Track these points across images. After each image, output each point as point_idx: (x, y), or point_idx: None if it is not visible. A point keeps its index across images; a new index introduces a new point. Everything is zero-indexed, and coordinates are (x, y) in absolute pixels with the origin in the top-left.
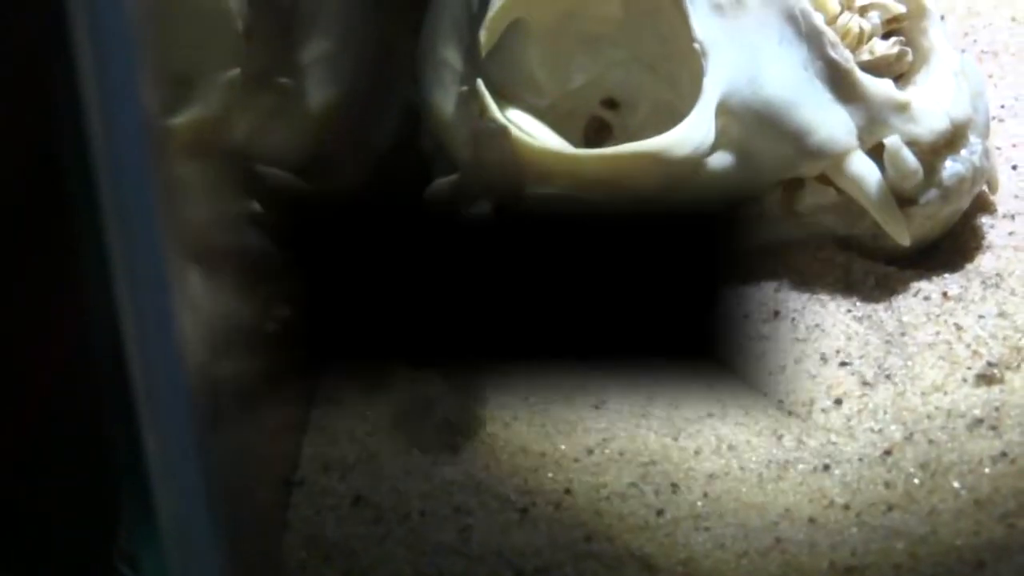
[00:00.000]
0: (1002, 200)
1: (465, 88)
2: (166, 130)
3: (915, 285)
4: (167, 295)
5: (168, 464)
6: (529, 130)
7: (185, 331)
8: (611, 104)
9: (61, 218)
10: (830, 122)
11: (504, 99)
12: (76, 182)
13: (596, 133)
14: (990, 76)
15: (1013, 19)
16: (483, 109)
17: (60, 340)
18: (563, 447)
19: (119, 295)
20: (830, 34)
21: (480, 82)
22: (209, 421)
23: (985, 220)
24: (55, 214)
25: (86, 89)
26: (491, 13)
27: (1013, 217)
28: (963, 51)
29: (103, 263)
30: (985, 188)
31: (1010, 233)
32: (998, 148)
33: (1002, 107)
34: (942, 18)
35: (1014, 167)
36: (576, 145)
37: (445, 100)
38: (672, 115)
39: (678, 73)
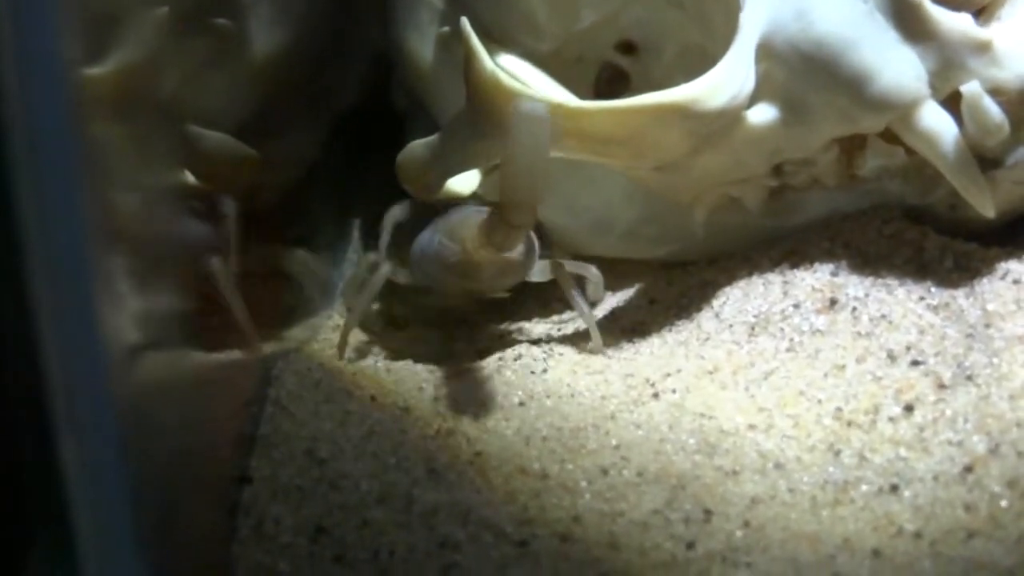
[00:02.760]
0: None
1: (446, 29)
2: (86, 82)
3: (1002, 266)
4: (88, 281)
5: (89, 472)
6: (526, 80)
7: (108, 322)
8: (628, 48)
9: None
10: (895, 66)
11: (496, 43)
12: None
13: (610, 84)
14: None
15: None
16: (469, 55)
17: None
18: (570, 467)
19: (32, 279)
20: None
21: (465, 21)
22: (135, 424)
23: None
24: None
25: None
26: None
27: None
28: None
29: (14, 243)
30: None
31: None
32: None
33: None
34: None
35: None
36: (585, 99)
37: (422, 44)
38: (703, 60)
39: (709, 8)
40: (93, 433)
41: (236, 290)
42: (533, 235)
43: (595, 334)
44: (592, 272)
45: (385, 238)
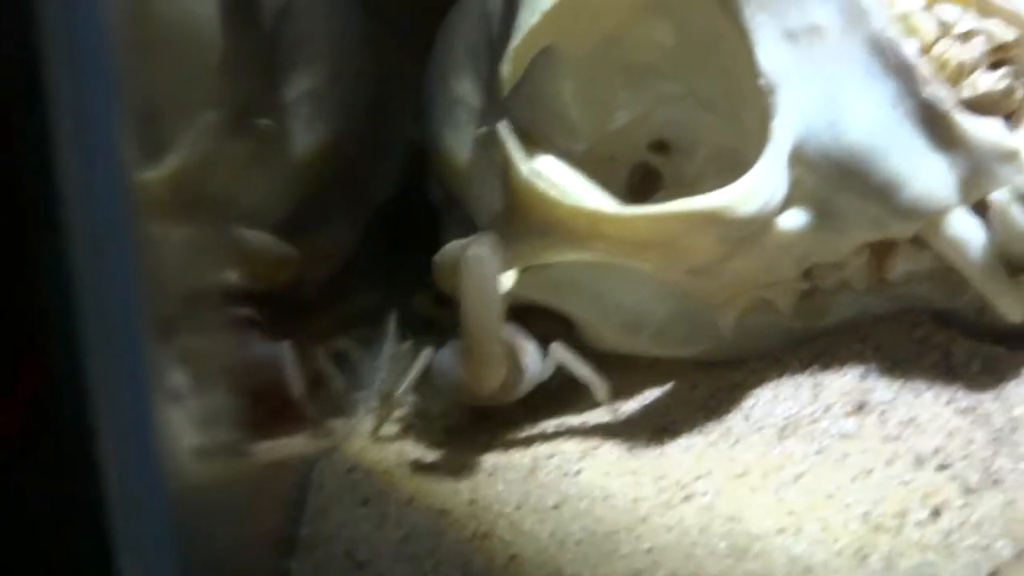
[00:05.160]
0: None
1: (483, 129)
2: (144, 187)
3: None
4: (146, 386)
5: None
6: (561, 182)
7: (165, 428)
8: (661, 147)
9: (29, 287)
10: (925, 174)
11: (532, 143)
12: (46, 247)
13: (643, 182)
14: None
15: None
16: (506, 161)
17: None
18: (604, 571)
19: (91, 387)
20: (924, 68)
21: (503, 125)
22: (190, 538)
23: None
24: (21, 279)
25: (60, 140)
26: (516, 40)
27: None
28: None
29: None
30: None
31: None
32: None
33: None
34: None
35: None
36: (619, 197)
37: (459, 143)
38: (736, 163)
39: (742, 113)
40: (150, 552)
41: (301, 378)
42: (525, 345)
43: (595, 386)
44: (589, 375)
45: (412, 378)
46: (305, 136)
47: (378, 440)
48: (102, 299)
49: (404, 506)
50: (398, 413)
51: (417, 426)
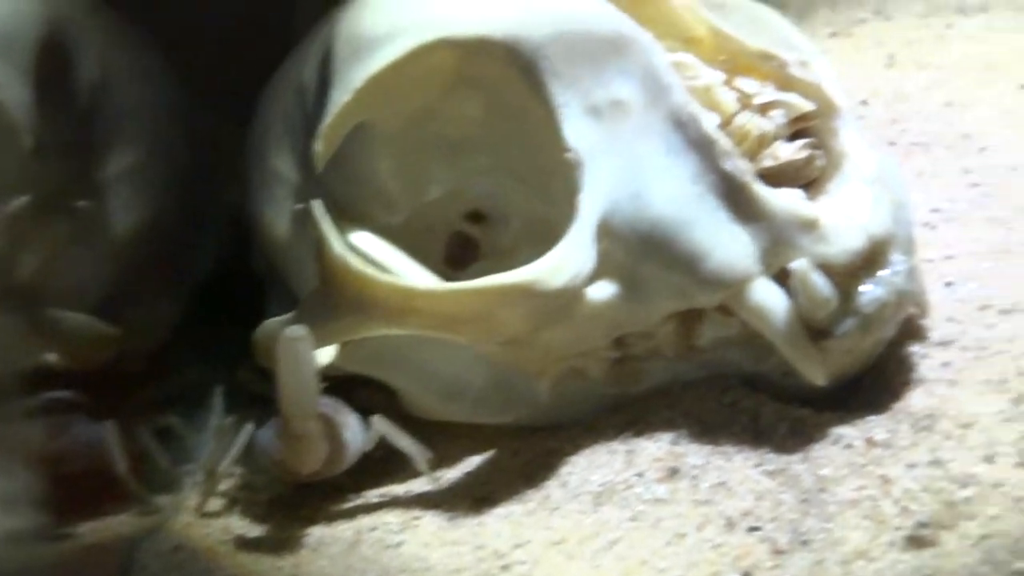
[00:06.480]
0: (934, 324)
1: (300, 205)
2: None
3: (834, 431)
4: None
5: None
6: (377, 257)
7: None
8: (477, 218)
9: None
10: (727, 245)
11: (348, 218)
12: None
13: (461, 250)
14: (920, 174)
15: (947, 104)
16: (320, 239)
17: None
18: None
19: None
20: (724, 142)
21: (316, 204)
22: None
23: (915, 350)
24: None
25: None
26: (328, 118)
27: (947, 345)
28: (891, 143)
29: None
30: (914, 311)
31: (944, 364)
32: (929, 261)
33: (934, 211)
34: (864, 103)
35: (948, 284)
36: (438, 268)
37: (278, 218)
38: (549, 233)
39: (552, 185)
40: None
41: (124, 456)
42: (346, 419)
43: (416, 457)
44: (409, 446)
45: (233, 455)
46: (124, 215)
47: (204, 516)
48: None
49: None
50: (224, 487)
51: (243, 500)
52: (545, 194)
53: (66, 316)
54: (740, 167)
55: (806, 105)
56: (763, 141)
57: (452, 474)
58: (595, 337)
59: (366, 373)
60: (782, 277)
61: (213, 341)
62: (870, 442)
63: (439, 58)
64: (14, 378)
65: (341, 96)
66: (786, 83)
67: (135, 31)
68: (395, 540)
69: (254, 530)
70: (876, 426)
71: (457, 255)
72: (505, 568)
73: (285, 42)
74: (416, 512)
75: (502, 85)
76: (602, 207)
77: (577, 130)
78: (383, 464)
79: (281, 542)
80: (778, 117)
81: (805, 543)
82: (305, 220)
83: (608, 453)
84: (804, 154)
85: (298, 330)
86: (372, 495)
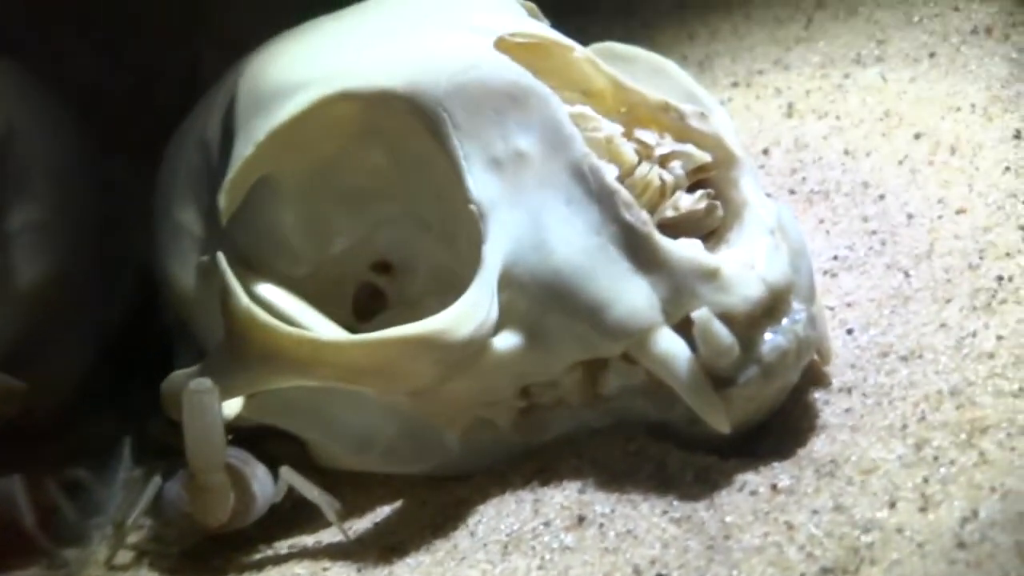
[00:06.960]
0: (836, 371)
1: (205, 258)
2: None
3: (739, 478)
4: None
5: None
6: (283, 309)
7: None
8: (384, 268)
9: None
10: (629, 294)
11: (253, 271)
12: None
13: (370, 300)
14: (821, 221)
15: (846, 152)
16: (224, 292)
17: None
18: None
19: None
20: (623, 193)
21: (220, 257)
22: None
23: (818, 396)
24: None
25: None
26: (231, 172)
27: (850, 391)
28: (791, 192)
29: None
30: (816, 358)
31: (846, 410)
32: (830, 308)
33: (834, 258)
34: (765, 152)
35: (849, 331)
36: (346, 318)
37: (183, 271)
38: (455, 279)
39: (457, 234)
40: None
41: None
42: (254, 471)
43: (325, 507)
44: (317, 497)
45: (141, 508)
46: (29, 268)
47: (112, 569)
48: None
49: None
50: (133, 539)
51: (152, 552)
52: (451, 243)
53: None
54: (641, 218)
55: (705, 156)
56: (663, 192)
57: (363, 524)
58: (501, 387)
59: (275, 424)
60: (685, 326)
61: (125, 392)
62: (775, 489)
63: (341, 110)
64: None
65: (244, 149)
66: (686, 134)
67: (42, 85)
68: None
69: None
70: (781, 472)
71: (364, 305)
72: None
73: (190, 94)
74: (325, 563)
75: (405, 135)
76: (505, 258)
77: (480, 181)
78: (292, 515)
79: None
80: (678, 168)
81: None
82: (210, 273)
83: (516, 502)
84: (704, 204)
85: (204, 382)
86: (281, 546)
